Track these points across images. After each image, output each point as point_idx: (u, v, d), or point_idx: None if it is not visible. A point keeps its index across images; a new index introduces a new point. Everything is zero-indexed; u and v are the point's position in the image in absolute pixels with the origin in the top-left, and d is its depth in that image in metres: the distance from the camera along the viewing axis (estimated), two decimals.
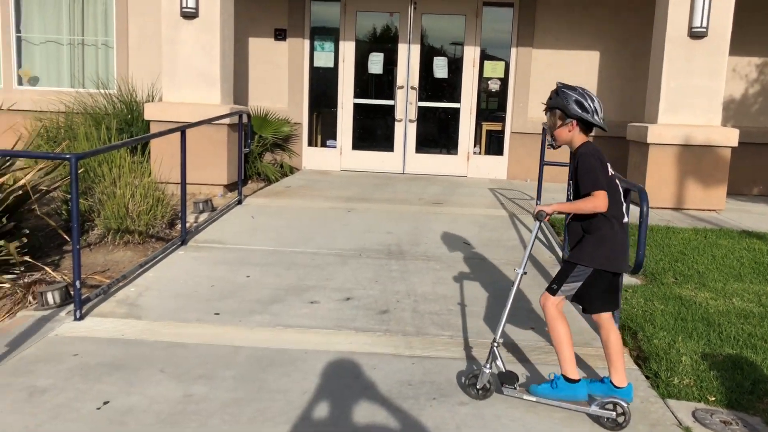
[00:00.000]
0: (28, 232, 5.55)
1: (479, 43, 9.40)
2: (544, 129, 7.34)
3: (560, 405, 3.21)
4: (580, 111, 3.20)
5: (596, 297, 3.25)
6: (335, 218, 6.76)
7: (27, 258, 5.27)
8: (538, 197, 7.11)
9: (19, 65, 9.20)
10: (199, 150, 7.40)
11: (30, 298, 4.96)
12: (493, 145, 9.65)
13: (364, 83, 9.66)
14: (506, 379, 3.29)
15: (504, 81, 9.52)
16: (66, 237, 5.73)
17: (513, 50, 9.36)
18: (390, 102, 9.59)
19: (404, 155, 9.61)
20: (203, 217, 6.67)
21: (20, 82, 9.22)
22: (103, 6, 9.17)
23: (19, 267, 5.23)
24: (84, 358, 3.63)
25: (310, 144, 9.73)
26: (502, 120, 9.59)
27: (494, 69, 9.54)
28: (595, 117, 3.20)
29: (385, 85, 9.65)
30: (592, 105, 3.20)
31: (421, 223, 6.68)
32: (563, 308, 3.31)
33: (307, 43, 9.46)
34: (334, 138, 9.72)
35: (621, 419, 3.09)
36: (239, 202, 7.26)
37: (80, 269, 4.20)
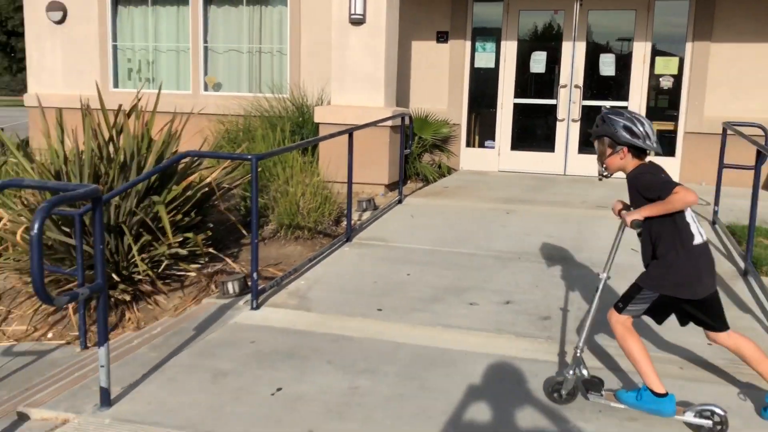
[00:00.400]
0: (212, 225, 6.07)
1: (650, 39, 8.90)
2: (724, 129, 6.81)
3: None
4: (629, 137, 3.09)
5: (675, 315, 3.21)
6: (494, 219, 6.72)
7: (210, 249, 5.77)
8: (716, 202, 6.62)
9: (205, 72, 10.06)
10: (363, 151, 7.67)
11: (212, 286, 5.44)
12: (664, 145, 9.09)
13: (525, 83, 9.50)
14: (592, 385, 3.24)
15: (677, 78, 8.93)
16: (244, 231, 6.19)
17: (688, 45, 8.76)
18: (551, 101, 9.36)
19: (566, 156, 9.33)
20: (366, 215, 6.91)
21: (205, 88, 10.08)
22: (278, 16, 9.78)
23: (203, 258, 5.74)
24: (259, 346, 3.92)
25: (468, 145, 9.74)
26: (674, 119, 9.01)
27: (666, 65, 8.99)
28: (647, 141, 3.09)
29: (546, 84, 9.43)
30: (642, 129, 3.09)
31: (585, 227, 6.46)
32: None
33: (468, 44, 9.48)
34: (493, 138, 9.66)
35: (719, 428, 2.94)
36: (399, 201, 7.44)
37: (257, 262, 4.53)
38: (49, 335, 5.06)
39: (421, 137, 9.04)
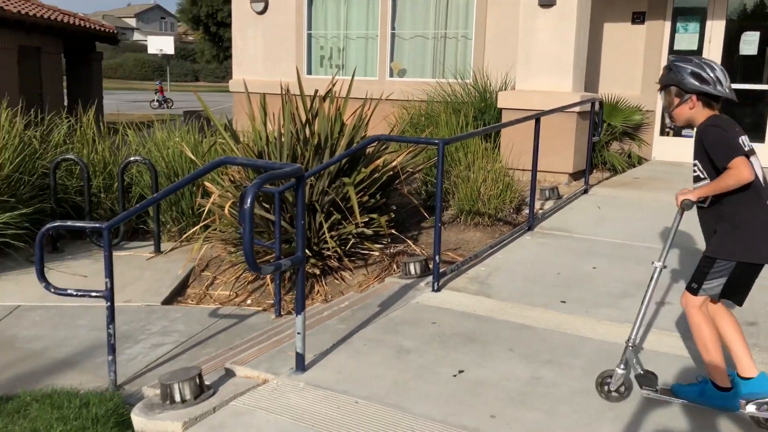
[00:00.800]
0: (394, 208, 6.25)
1: None
2: None
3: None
4: (699, 84, 2.84)
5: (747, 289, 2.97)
6: (689, 213, 6.23)
7: (393, 231, 5.95)
8: None
9: (391, 59, 10.34)
10: (547, 137, 7.45)
11: (394, 266, 5.61)
12: None
13: (731, 66, 8.67)
14: (645, 381, 3.04)
15: None
16: (425, 214, 6.31)
17: None
18: (762, 86, 8.47)
19: None
20: (549, 204, 6.74)
21: (391, 74, 10.36)
22: (465, 1, 9.77)
23: (386, 238, 5.93)
24: (441, 327, 3.98)
25: (662, 133, 9.12)
26: None
27: None
28: (718, 87, 2.87)
29: (756, 67, 8.54)
30: (712, 74, 2.87)
31: None
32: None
33: (667, 24, 8.84)
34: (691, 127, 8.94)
35: None
36: (585, 191, 7.16)
37: (440, 245, 4.59)
38: (248, 301, 5.52)
39: (610, 124, 8.61)
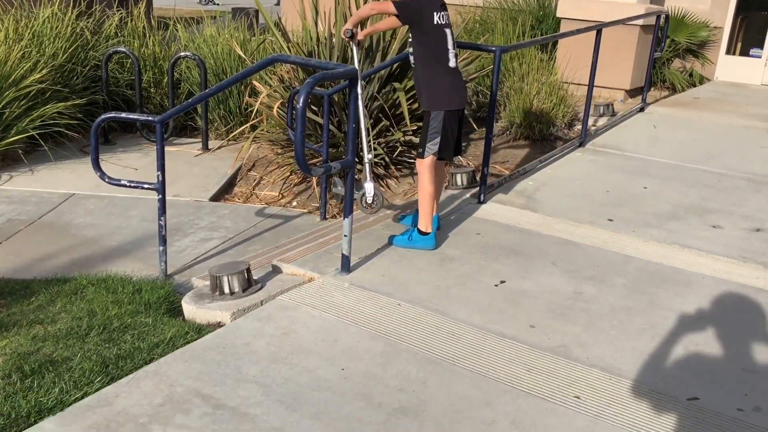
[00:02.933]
0: None
1: None
2: None
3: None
4: None
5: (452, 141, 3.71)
6: (750, 138, 6.01)
7: None
8: None
9: None
10: (606, 51, 7.14)
11: None
12: None
13: None
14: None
15: None
16: (474, 126, 6.20)
17: None
18: None
19: None
20: (602, 121, 6.55)
21: None
22: None
23: None
24: (484, 238, 3.99)
25: (728, 52, 8.66)
26: None
27: None
28: None
29: None
30: None
31: None
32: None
33: None
34: (761, 46, 8.47)
35: None
36: (641, 109, 6.93)
37: (489, 157, 4.53)
38: (293, 203, 5.59)
39: (673, 40, 8.20)
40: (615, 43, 7.23)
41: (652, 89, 8.03)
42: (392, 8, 3.48)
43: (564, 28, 7.52)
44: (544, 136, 6.16)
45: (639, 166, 5.32)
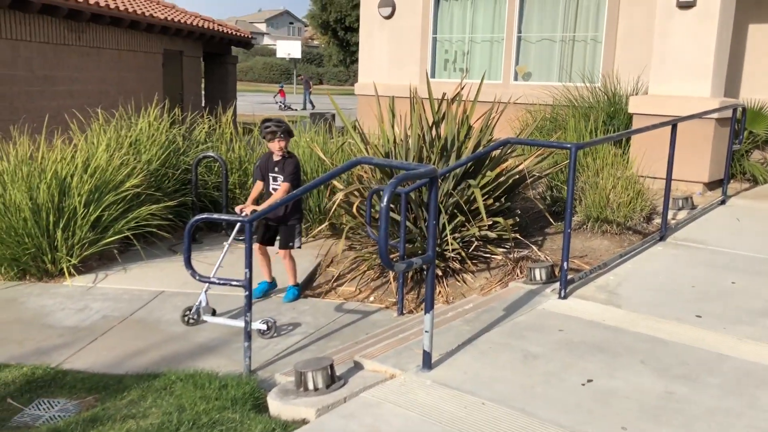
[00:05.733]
0: (519, 212, 6.20)
1: None
2: None
3: None
4: None
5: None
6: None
7: (517, 235, 5.90)
8: None
9: (517, 62, 10.23)
10: (681, 145, 7.11)
11: (517, 271, 5.56)
12: None
13: None
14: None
15: None
16: (551, 220, 6.21)
17: None
18: None
19: None
20: (682, 214, 6.44)
21: (515, 78, 10.26)
22: (596, 2, 9.51)
23: (509, 242, 5.89)
24: (568, 335, 3.92)
25: None
26: None
27: None
28: None
29: None
30: None
31: None
32: None
33: None
34: None
35: None
36: (722, 202, 6.79)
37: (569, 251, 4.51)
38: (371, 298, 5.67)
39: (751, 132, 8.10)
40: (691, 137, 7.20)
41: (732, 182, 7.87)
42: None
43: (636, 123, 7.55)
44: (622, 230, 6.09)
45: (725, 261, 5.16)
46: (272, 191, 5.50)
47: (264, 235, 5.58)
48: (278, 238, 5.61)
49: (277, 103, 32.55)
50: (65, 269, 5.86)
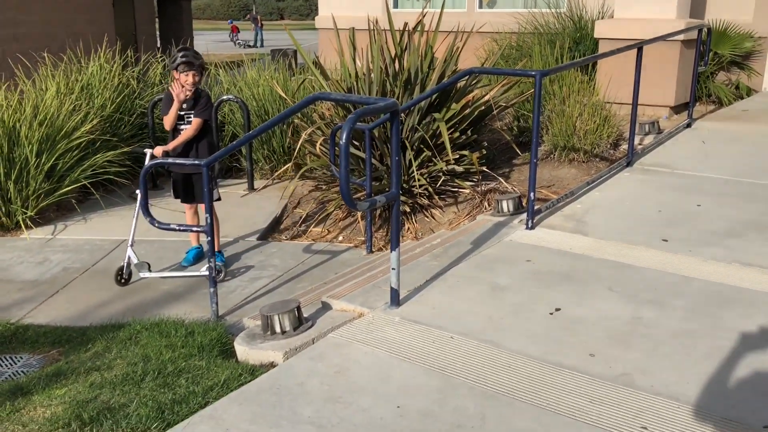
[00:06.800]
0: (486, 144, 6.12)
1: None
2: None
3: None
4: None
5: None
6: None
7: (484, 168, 5.83)
8: None
9: None
10: (648, 68, 7.03)
11: (485, 204, 5.52)
12: None
13: None
14: (140, 267, 4.69)
15: None
16: (518, 151, 6.14)
17: None
18: None
19: None
20: (648, 139, 6.42)
21: (480, 6, 10.00)
22: None
23: (477, 176, 5.83)
24: (535, 265, 3.90)
25: None
26: None
27: None
28: None
29: None
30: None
31: None
32: None
33: None
34: None
35: None
36: (688, 125, 6.77)
37: (535, 181, 4.46)
38: (339, 238, 5.60)
39: (716, 53, 8.03)
40: (657, 60, 7.12)
41: (698, 104, 7.86)
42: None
43: (602, 48, 7.44)
44: (589, 158, 6.06)
45: (691, 184, 5.17)
46: (181, 131, 4.82)
47: (184, 192, 4.96)
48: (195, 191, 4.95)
49: (235, 41, 31.52)
50: (21, 222, 5.67)
